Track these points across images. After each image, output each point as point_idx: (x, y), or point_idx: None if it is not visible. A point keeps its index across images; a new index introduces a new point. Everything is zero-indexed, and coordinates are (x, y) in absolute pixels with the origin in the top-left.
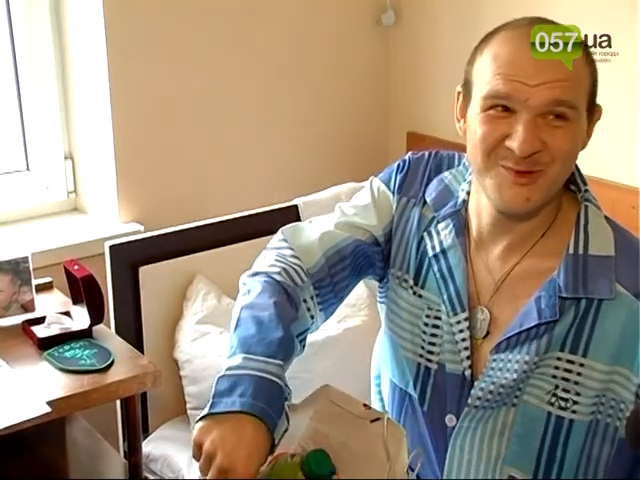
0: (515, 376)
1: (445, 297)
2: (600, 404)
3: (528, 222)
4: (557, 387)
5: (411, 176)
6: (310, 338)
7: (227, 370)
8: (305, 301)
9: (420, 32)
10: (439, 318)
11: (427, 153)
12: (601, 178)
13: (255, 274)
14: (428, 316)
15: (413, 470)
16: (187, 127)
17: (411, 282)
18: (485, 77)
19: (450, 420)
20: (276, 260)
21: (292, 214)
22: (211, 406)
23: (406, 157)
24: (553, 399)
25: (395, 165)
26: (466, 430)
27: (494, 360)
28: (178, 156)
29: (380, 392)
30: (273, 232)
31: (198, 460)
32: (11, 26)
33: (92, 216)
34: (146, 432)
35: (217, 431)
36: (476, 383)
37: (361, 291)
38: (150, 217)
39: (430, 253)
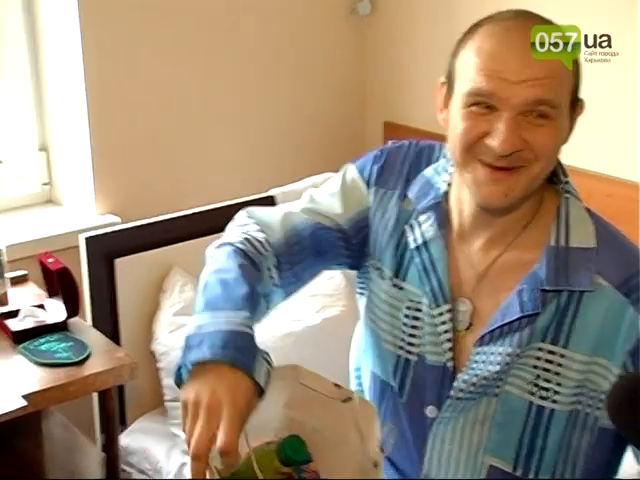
0: (498, 368)
1: (427, 289)
2: (580, 394)
3: (509, 215)
4: (538, 377)
5: (389, 167)
6: (289, 328)
7: (196, 327)
8: (269, 269)
9: (396, 22)
10: (420, 310)
11: (406, 143)
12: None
13: (220, 245)
14: (409, 308)
15: (383, 451)
16: (163, 119)
17: (391, 274)
18: (468, 72)
19: (431, 411)
20: (241, 233)
21: (268, 205)
22: (183, 357)
23: (384, 147)
24: (534, 389)
25: (372, 155)
26: (447, 420)
27: (477, 353)
28: (155, 147)
29: (361, 384)
30: None
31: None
32: None
33: (67, 208)
34: (124, 425)
35: (197, 384)
36: (459, 375)
37: (339, 281)
38: (126, 209)
39: (412, 245)
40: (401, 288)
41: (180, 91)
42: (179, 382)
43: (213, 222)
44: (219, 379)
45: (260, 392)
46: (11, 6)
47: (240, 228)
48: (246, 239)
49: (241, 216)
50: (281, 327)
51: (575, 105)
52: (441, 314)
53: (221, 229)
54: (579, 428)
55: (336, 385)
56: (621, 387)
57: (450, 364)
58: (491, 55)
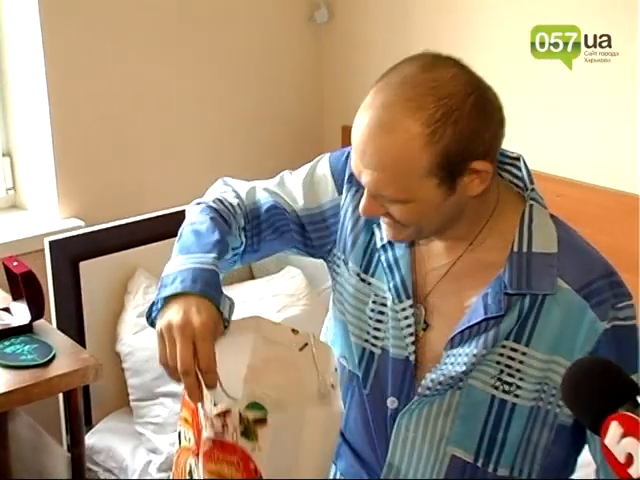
0: (464, 368)
1: (391, 285)
2: (542, 391)
3: (447, 232)
4: (502, 372)
5: None
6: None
7: (170, 269)
8: (237, 229)
9: (352, 29)
10: (385, 305)
11: None
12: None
13: (197, 204)
14: (375, 302)
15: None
16: (125, 123)
17: (359, 269)
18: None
19: (392, 402)
20: (218, 195)
21: None
22: (157, 295)
23: None
24: (498, 383)
25: (346, 153)
26: (412, 411)
27: (447, 356)
28: (117, 151)
29: None
30: None
31: (162, 359)
32: None
33: (31, 212)
34: (89, 424)
35: (169, 312)
36: (427, 375)
37: (299, 281)
38: (90, 212)
39: (379, 244)
40: (368, 283)
41: (142, 96)
42: (152, 321)
43: (177, 224)
44: (188, 305)
45: (225, 324)
46: None
47: (217, 193)
48: (219, 200)
49: (218, 184)
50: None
51: (461, 171)
52: (404, 309)
53: None
54: (539, 424)
55: (294, 331)
56: (572, 370)
57: (412, 357)
58: (354, 128)
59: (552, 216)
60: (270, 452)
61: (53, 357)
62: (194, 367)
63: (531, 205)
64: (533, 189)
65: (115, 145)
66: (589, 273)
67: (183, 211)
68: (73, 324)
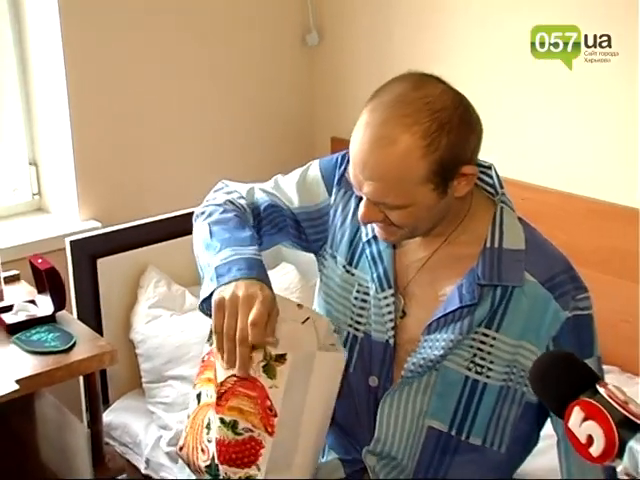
0: (442, 352)
1: (375, 276)
2: (511, 373)
3: (439, 225)
4: (475, 356)
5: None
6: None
7: (221, 260)
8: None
9: (340, 51)
10: (367, 294)
11: None
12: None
13: (208, 205)
14: (358, 291)
15: None
16: (138, 137)
17: (345, 262)
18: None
19: (373, 380)
20: (225, 197)
21: None
22: (217, 281)
23: (345, 153)
24: (471, 365)
25: (336, 158)
26: (394, 391)
27: (425, 341)
28: (130, 161)
29: None
30: None
31: (218, 328)
32: None
33: (54, 215)
34: (107, 404)
35: (233, 289)
36: (408, 359)
37: (293, 276)
38: (107, 215)
39: (364, 239)
40: (353, 274)
41: (152, 115)
42: (207, 309)
43: (183, 225)
44: (250, 285)
45: None
46: (2, 37)
47: (224, 195)
48: (230, 201)
49: (219, 186)
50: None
51: (452, 176)
52: (385, 298)
53: (190, 232)
54: (508, 401)
55: (299, 306)
56: (539, 362)
57: (392, 341)
58: (353, 144)
59: (519, 218)
60: (285, 390)
61: (74, 344)
62: (248, 338)
63: (502, 207)
64: (503, 194)
65: (128, 156)
66: (552, 268)
67: (188, 214)
68: (91, 315)
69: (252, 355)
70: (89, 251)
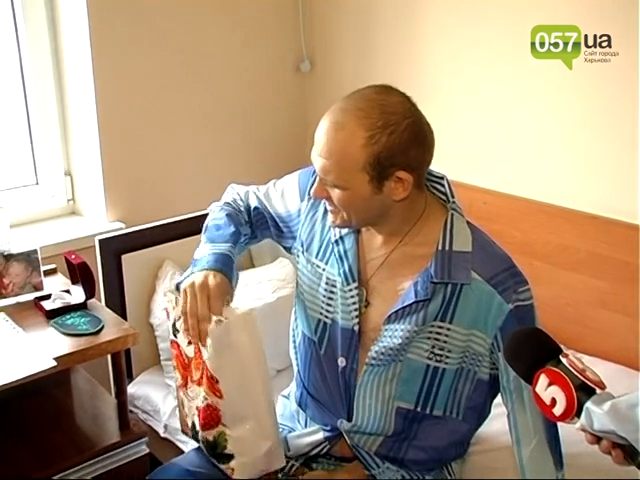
0: (401, 341)
1: (341, 272)
2: (465, 357)
3: (385, 226)
4: (433, 347)
5: None
6: (252, 304)
7: (199, 254)
8: (244, 221)
9: (330, 77)
10: (334, 286)
11: None
12: (465, 183)
13: (216, 206)
14: (327, 284)
15: None
16: (157, 150)
17: (314, 259)
18: None
19: (341, 362)
20: (230, 197)
21: None
22: (190, 270)
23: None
24: (431, 355)
25: (312, 170)
26: (366, 382)
27: (386, 329)
28: (151, 170)
29: (295, 340)
30: None
31: (183, 308)
32: (22, 74)
33: (86, 218)
34: (130, 378)
35: (193, 277)
36: (372, 347)
37: (289, 269)
38: (130, 217)
39: (333, 239)
40: (323, 269)
41: (169, 134)
42: (179, 287)
43: (195, 226)
44: (208, 274)
45: (232, 290)
46: (43, 62)
47: (228, 197)
48: (229, 202)
49: (229, 190)
50: (246, 304)
51: (387, 176)
52: (351, 290)
53: (199, 232)
54: (463, 379)
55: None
56: (511, 338)
57: (357, 328)
58: (317, 131)
59: (468, 223)
60: (214, 357)
61: (102, 327)
62: (209, 314)
63: (452, 214)
64: (454, 202)
65: (148, 168)
66: (495, 267)
67: (201, 215)
68: (117, 302)
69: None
70: (115, 248)
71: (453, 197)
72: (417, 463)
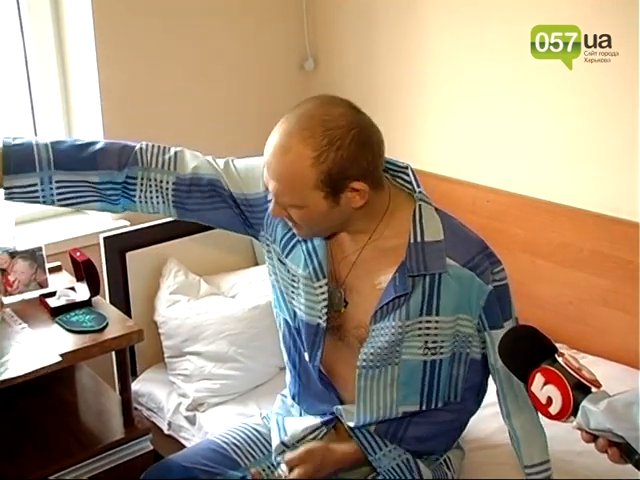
0: (389, 339)
1: (310, 268)
2: (456, 342)
3: (351, 228)
4: (427, 342)
5: None
6: (255, 302)
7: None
8: (160, 181)
9: (333, 75)
10: (295, 282)
11: None
12: (463, 180)
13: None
14: (290, 279)
15: None
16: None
17: (279, 252)
18: None
19: (306, 356)
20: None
21: None
22: None
23: None
24: (425, 350)
25: None
26: (364, 387)
27: (373, 330)
28: None
29: (281, 330)
30: None
31: None
32: (27, 69)
33: (90, 216)
34: (135, 375)
35: None
36: (362, 349)
37: None
38: (134, 215)
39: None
40: (284, 264)
41: (174, 129)
42: None
43: (198, 225)
44: None
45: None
46: (45, 45)
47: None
48: (155, 146)
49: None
50: (250, 302)
51: (341, 189)
52: (321, 287)
53: (203, 230)
54: (457, 363)
55: None
56: (506, 337)
57: (323, 324)
58: (265, 148)
59: (437, 210)
60: None
61: (107, 324)
62: None
63: (420, 204)
64: (420, 191)
65: None
66: (469, 251)
67: None
68: (121, 300)
69: None
70: (119, 246)
71: (419, 187)
72: (419, 440)
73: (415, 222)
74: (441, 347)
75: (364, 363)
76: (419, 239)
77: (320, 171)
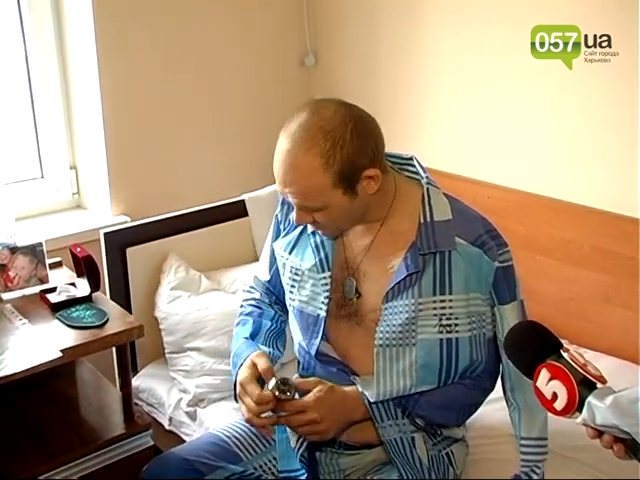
0: (404, 317)
1: (317, 259)
2: (472, 322)
3: (368, 215)
4: (440, 320)
5: None
6: None
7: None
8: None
9: (333, 71)
10: (298, 274)
11: None
12: (470, 178)
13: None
14: (290, 272)
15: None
16: (162, 144)
17: (279, 251)
18: None
19: (306, 345)
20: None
21: (240, 207)
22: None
23: None
24: (441, 328)
25: (282, 199)
26: (383, 367)
27: (385, 309)
28: (154, 166)
29: (293, 311)
30: (227, 220)
31: None
32: (28, 68)
33: (91, 211)
34: (135, 370)
35: None
36: (377, 328)
37: None
38: (134, 211)
39: (309, 230)
40: (286, 259)
41: (175, 126)
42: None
43: (199, 220)
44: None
45: None
46: (47, 47)
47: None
48: (244, 300)
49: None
50: None
51: (356, 182)
52: (324, 278)
53: (204, 225)
54: (478, 346)
55: None
56: (512, 332)
57: (323, 315)
58: (274, 168)
59: (444, 193)
60: None
61: (107, 320)
62: None
63: (427, 188)
64: (427, 177)
65: (153, 162)
66: (477, 230)
67: (203, 210)
68: (122, 295)
69: None
70: (120, 241)
71: (425, 172)
72: (432, 406)
73: (424, 204)
74: (456, 325)
75: (380, 342)
76: (429, 219)
77: (333, 172)
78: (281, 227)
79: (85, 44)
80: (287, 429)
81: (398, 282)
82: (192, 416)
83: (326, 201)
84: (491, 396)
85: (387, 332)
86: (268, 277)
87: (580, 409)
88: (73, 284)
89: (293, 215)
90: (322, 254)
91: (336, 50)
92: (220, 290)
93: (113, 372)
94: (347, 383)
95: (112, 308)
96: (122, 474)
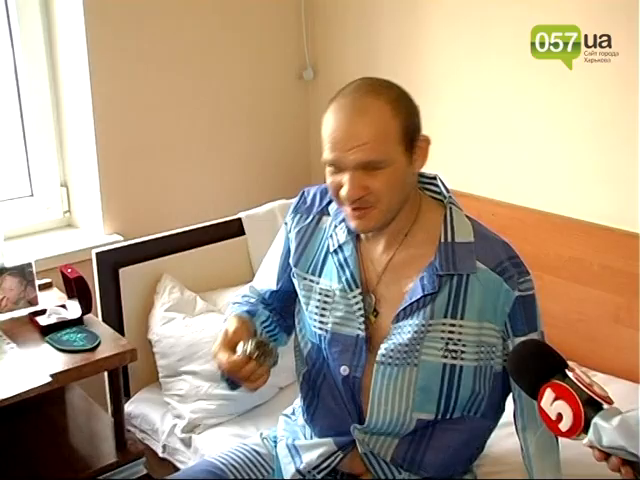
0: (410, 336)
1: (344, 279)
2: (481, 352)
3: (389, 227)
4: (447, 344)
5: (304, 200)
6: None
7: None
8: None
9: (332, 85)
10: (329, 296)
11: (316, 186)
12: (473, 193)
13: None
14: (320, 294)
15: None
16: (156, 160)
17: (306, 275)
18: (323, 141)
19: (344, 370)
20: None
21: (236, 225)
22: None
23: (303, 190)
24: (446, 353)
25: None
26: (380, 386)
27: (394, 328)
28: (148, 184)
29: (300, 349)
30: (223, 239)
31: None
32: (18, 84)
33: (82, 230)
34: (128, 396)
35: None
36: (382, 345)
37: None
38: (127, 230)
39: (331, 249)
40: (317, 283)
41: (168, 143)
42: None
43: (194, 239)
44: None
45: None
46: (37, 64)
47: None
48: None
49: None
50: None
51: (414, 145)
52: (355, 297)
53: (200, 244)
54: (482, 379)
55: None
56: (515, 351)
57: (362, 335)
58: (331, 131)
59: (466, 215)
60: None
61: (99, 343)
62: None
63: (450, 207)
64: (450, 197)
65: (146, 180)
66: (499, 256)
67: (198, 229)
68: (114, 317)
69: None
70: (112, 261)
71: (448, 192)
72: (436, 466)
73: (446, 223)
74: (462, 352)
75: (382, 359)
76: (449, 239)
77: (400, 120)
78: (290, 236)
79: (76, 60)
80: (282, 460)
81: (411, 303)
82: (187, 443)
83: (391, 156)
84: (501, 420)
85: (391, 350)
86: (275, 287)
87: (586, 430)
88: (64, 306)
89: (334, 206)
90: (347, 272)
91: (335, 64)
92: (216, 311)
93: (105, 397)
94: (348, 425)
95: (104, 331)
96: None
